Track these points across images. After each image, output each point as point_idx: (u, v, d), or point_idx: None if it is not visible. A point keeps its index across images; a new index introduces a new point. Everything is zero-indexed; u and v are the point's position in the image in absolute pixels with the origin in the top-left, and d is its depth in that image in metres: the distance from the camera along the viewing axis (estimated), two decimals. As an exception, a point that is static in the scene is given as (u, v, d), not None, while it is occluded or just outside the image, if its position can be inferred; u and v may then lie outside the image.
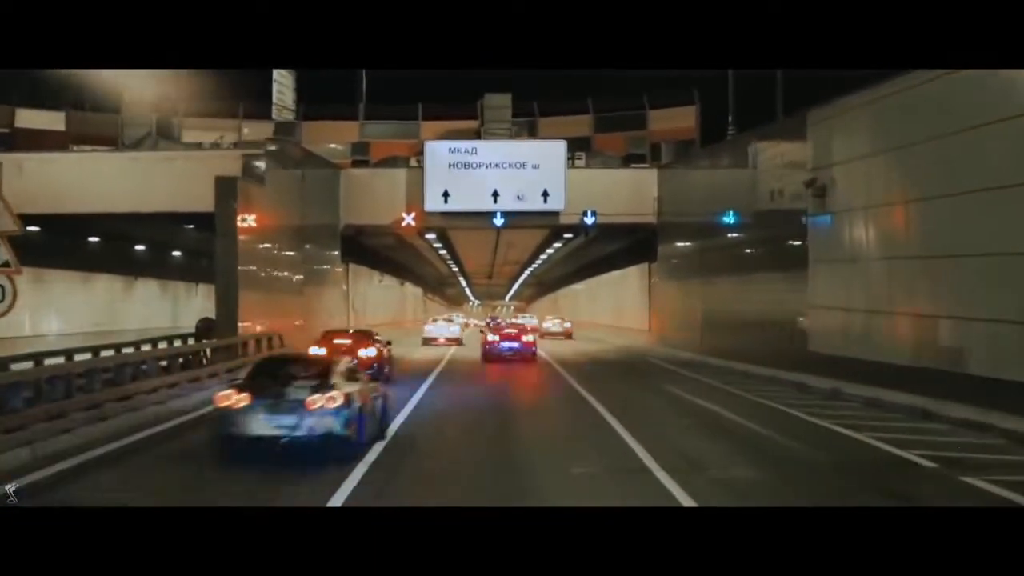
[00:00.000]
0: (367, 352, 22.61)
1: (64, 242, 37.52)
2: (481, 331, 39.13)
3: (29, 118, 41.52)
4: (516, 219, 38.26)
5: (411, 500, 10.07)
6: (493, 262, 66.32)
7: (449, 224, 40.48)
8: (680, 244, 37.56)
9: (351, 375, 13.10)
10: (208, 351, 22.27)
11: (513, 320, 55.85)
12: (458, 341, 43.71)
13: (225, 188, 25.22)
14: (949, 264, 18.24)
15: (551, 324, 56.23)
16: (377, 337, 25.10)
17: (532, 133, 43.42)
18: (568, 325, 55.31)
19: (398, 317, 63.33)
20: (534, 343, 33.93)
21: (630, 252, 45.38)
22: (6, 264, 12.61)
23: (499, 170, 37.84)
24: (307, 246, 33.65)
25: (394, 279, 64.05)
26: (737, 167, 31.06)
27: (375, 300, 54.72)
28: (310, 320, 33.81)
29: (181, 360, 20.34)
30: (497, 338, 33.24)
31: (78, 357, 18.19)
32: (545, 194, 37.60)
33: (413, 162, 40.07)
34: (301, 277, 32.71)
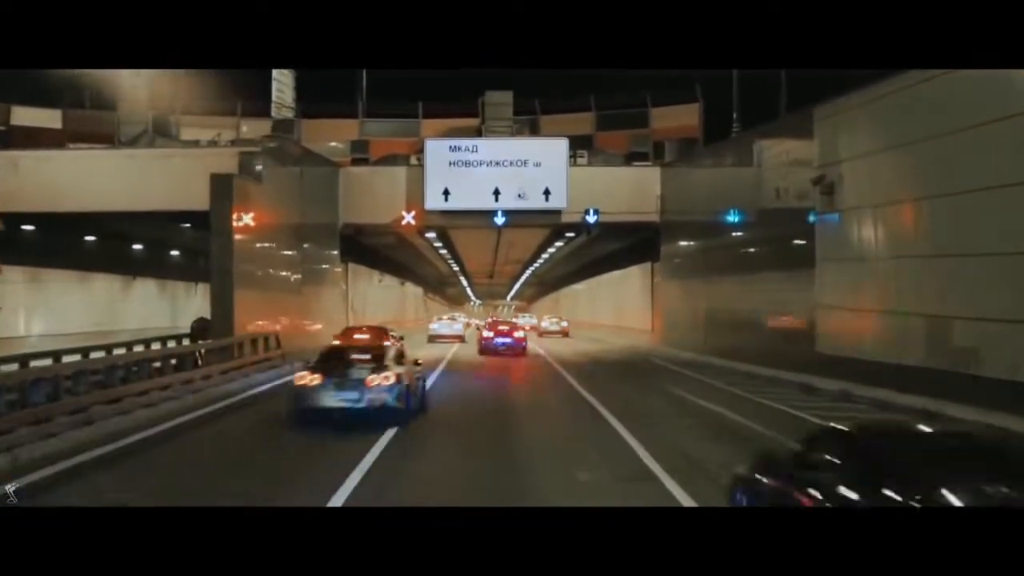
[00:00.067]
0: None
1: (61, 241, 37.22)
2: (478, 328, 40.64)
3: (25, 115, 41.11)
4: (517, 218, 37.87)
5: (431, 466, 11.37)
6: (494, 261, 65.96)
7: (450, 223, 40.07)
8: (683, 243, 37.12)
9: (399, 359, 16.51)
10: (202, 352, 21.81)
11: (512, 319, 57.26)
12: (461, 338, 44.77)
13: (221, 186, 24.78)
14: (964, 263, 17.78)
15: (548, 323, 59.05)
16: (392, 332, 27.11)
17: (534, 131, 42.94)
18: (565, 324, 57.77)
19: (398, 317, 62.93)
20: (524, 339, 37.28)
21: (632, 251, 44.98)
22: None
23: (500, 168, 37.43)
24: (305, 245, 33.23)
25: (394, 279, 63.69)
26: (741, 165, 30.61)
27: (375, 300, 54.34)
28: (309, 320, 33.42)
29: (175, 361, 19.93)
30: (492, 334, 36.55)
31: (68, 358, 17.70)
32: (547, 192, 37.20)
33: (413, 160, 39.64)
34: (299, 277, 32.29)
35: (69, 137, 38.17)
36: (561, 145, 37.92)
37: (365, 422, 14.50)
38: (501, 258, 63.06)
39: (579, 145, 40.28)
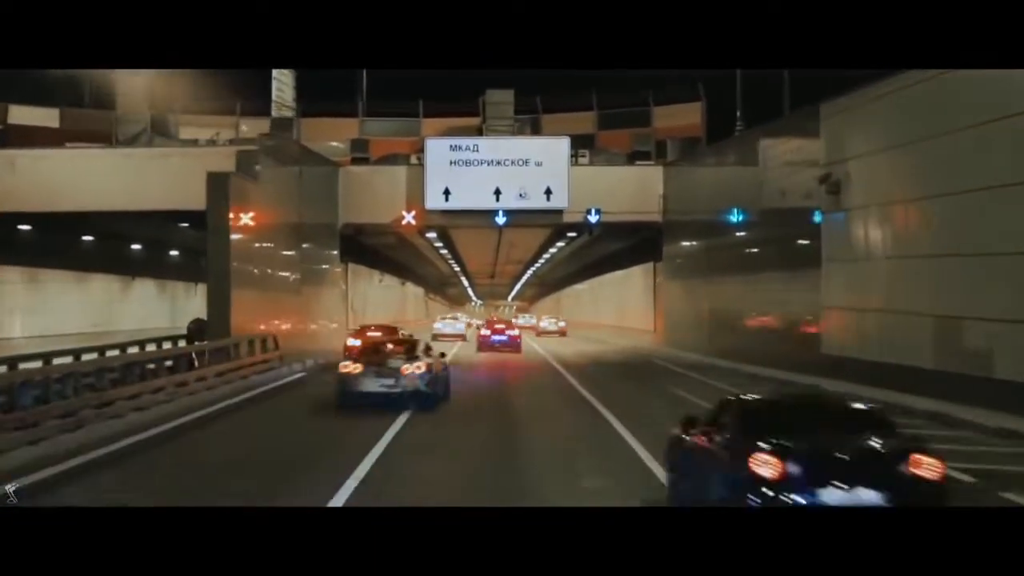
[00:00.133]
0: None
1: (58, 241, 36.91)
2: (478, 328, 43.16)
3: (23, 115, 40.73)
4: (518, 217, 37.52)
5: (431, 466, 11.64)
6: (495, 261, 65.65)
7: (450, 222, 39.72)
8: (686, 243, 36.74)
9: (427, 351, 19.02)
10: (196, 354, 21.42)
11: (513, 320, 60.58)
12: (463, 337, 45.72)
13: (217, 184, 24.39)
14: (975, 262, 17.39)
15: (547, 323, 62.00)
16: (401, 331, 30.11)
17: (535, 130, 42.54)
18: (563, 324, 60.53)
19: (399, 317, 62.53)
20: (519, 336, 40.26)
21: (634, 251, 44.62)
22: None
23: (501, 167, 37.06)
24: (304, 245, 32.86)
25: (395, 279, 63.38)
26: (745, 164, 30.23)
27: (375, 300, 54.01)
28: (308, 321, 33.07)
29: (170, 363, 19.55)
30: (489, 332, 39.72)
31: (60, 360, 17.31)
32: (548, 192, 36.83)
33: (414, 159, 39.27)
34: (298, 277, 31.93)
35: (67, 136, 37.73)
36: (563, 144, 37.55)
37: (400, 405, 17.04)
38: (502, 258, 62.74)
39: (581, 144, 39.91)
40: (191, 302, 47.05)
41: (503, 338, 38.88)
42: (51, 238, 36.14)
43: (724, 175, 32.74)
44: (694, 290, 35.30)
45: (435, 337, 43.64)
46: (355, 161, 39.66)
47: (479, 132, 40.30)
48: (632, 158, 40.16)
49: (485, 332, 39.94)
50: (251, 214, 26.00)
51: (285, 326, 28.88)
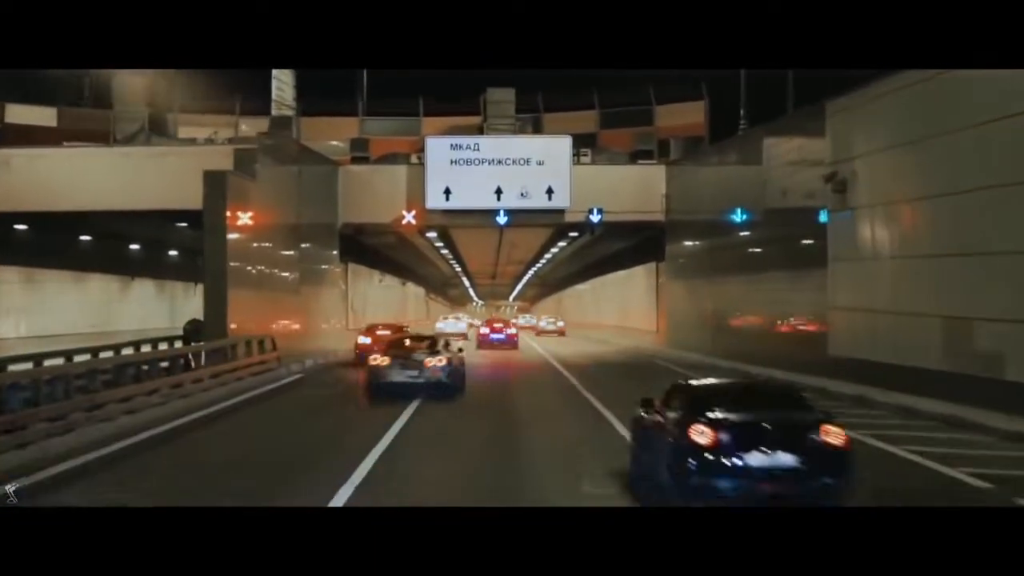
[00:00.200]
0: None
1: (56, 241, 36.62)
2: (478, 328, 45.76)
3: (20, 114, 40.43)
4: (520, 217, 37.18)
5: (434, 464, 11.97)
6: (496, 261, 65.33)
7: (451, 222, 39.37)
8: (689, 243, 36.39)
9: (447, 346, 21.49)
10: (191, 355, 21.07)
11: (514, 320, 63.31)
12: (464, 336, 46.42)
13: (214, 183, 24.02)
14: (986, 262, 17.03)
15: (545, 323, 64.83)
16: (407, 329, 32.08)
17: (536, 129, 42.18)
18: (561, 324, 63.01)
19: (399, 318, 62.09)
20: (516, 335, 43.19)
21: (637, 251, 44.28)
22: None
23: (502, 167, 36.70)
24: (303, 244, 32.52)
25: (395, 279, 63.01)
26: (749, 162, 29.87)
27: (375, 300, 53.65)
28: (307, 321, 32.73)
29: (166, 364, 19.21)
30: (488, 331, 42.50)
31: (51, 361, 16.97)
32: (550, 191, 36.49)
33: (414, 159, 38.92)
34: (297, 276, 31.59)
35: (65, 135, 37.39)
36: (564, 143, 37.21)
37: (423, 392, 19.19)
38: (503, 258, 62.40)
39: (583, 143, 39.55)
40: (190, 302, 46.69)
41: (501, 336, 41.96)
42: (48, 238, 35.86)
43: (727, 174, 32.38)
44: (697, 290, 34.95)
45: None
46: (355, 160, 39.30)
47: (480, 131, 39.94)
48: (634, 157, 39.79)
49: (484, 330, 42.76)
50: (249, 213, 25.66)
51: (283, 326, 28.54)
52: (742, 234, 30.02)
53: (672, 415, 9.76)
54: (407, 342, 21.77)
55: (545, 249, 53.84)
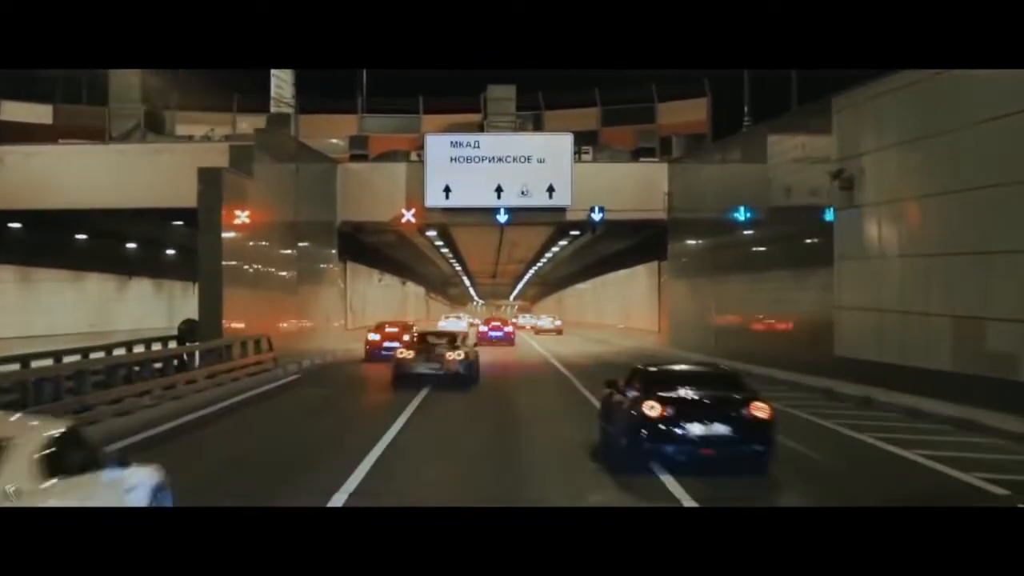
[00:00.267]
0: (408, 337, 30.12)
1: (51, 239, 36.28)
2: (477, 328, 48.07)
3: (15, 111, 39.97)
4: (520, 215, 36.82)
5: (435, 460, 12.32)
6: (496, 260, 64.95)
7: (451, 220, 38.98)
8: (692, 241, 35.99)
9: (464, 341, 24.29)
10: (186, 355, 20.67)
11: (514, 319, 67.01)
12: (464, 335, 45.46)
13: (209, 180, 23.60)
14: (998, 260, 16.61)
15: (544, 322, 66.98)
16: (413, 327, 34.54)
17: (537, 126, 41.72)
18: (559, 323, 65.11)
19: (399, 317, 61.83)
20: (513, 333, 47.18)
21: (639, 250, 43.89)
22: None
23: (503, 164, 36.32)
24: (301, 243, 32.11)
25: (395, 278, 62.61)
26: (753, 160, 29.45)
27: (375, 299, 53.26)
28: (304, 321, 32.34)
29: (159, 365, 18.83)
30: (487, 329, 45.74)
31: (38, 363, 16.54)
32: (551, 189, 36.13)
33: (414, 156, 38.51)
34: (294, 275, 31.18)
35: (60, 133, 37.04)
36: (565, 141, 36.85)
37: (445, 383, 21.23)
38: (504, 257, 62.01)
39: (584, 141, 39.15)
40: (188, 302, 46.27)
41: (499, 334, 45.26)
42: (43, 236, 35.55)
43: (731, 172, 31.97)
44: (700, 290, 34.55)
45: None
46: (354, 158, 38.88)
47: (480, 128, 39.52)
48: (636, 155, 39.39)
49: (483, 328, 46.01)
50: (245, 211, 25.28)
51: (280, 326, 28.15)
52: (746, 233, 29.62)
53: (630, 394, 11.86)
54: (429, 338, 24.22)
55: (546, 248, 53.45)
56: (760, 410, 11.27)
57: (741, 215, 29.46)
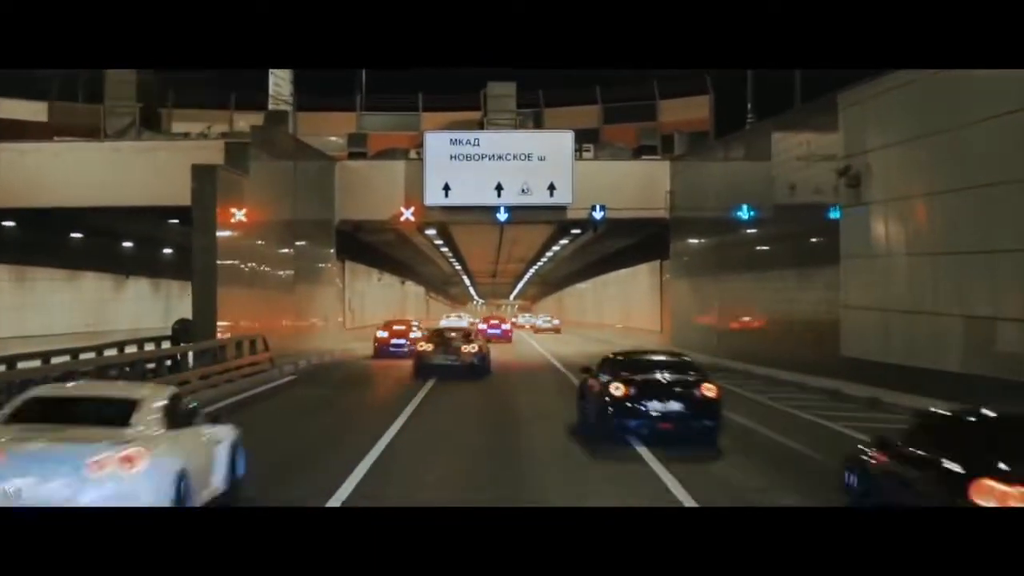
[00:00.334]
0: (415, 335, 33.24)
1: (46, 238, 35.88)
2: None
3: (10, 108, 39.54)
4: (521, 214, 36.39)
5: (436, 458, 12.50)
6: (497, 260, 64.54)
7: (450, 219, 38.57)
8: (694, 240, 35.57)
9: (477, 336, 27.33)
10: (179, 356, 20.25)
11: (514, 319, 70.82)
12: (476, 331, 48.65)
13: (203, 177, 23.17)
14: (1013, 259, 16.20)
15: (542, 321, 70.23)
16: (418, 324, 37.41)
17: (538, 124, 41.31)
18: (557, 322, 68.43)
19: (398, 317, 61.50)
20: (511, 331, 51.30)
21: (640, 249, 43.48)
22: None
23: (503, 162, 35.91)
24: (298, 242, 31.68)
25: (395, 277, 62.19)
26: (757, 157, 29.03)
27: (374, 299, 52.83)
28: (302, 320, 31.94)
29: (152, 366, 18.42)
30: (485, 326, 47.65)
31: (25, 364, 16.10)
32: (551, 187, 35.71)
33: (413, 154, 38.07)
34: (291, 274, 30.75)
35: (56, 130, 36.65)
36: (566, 138, 36.41)
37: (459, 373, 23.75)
38: (504, 256, 61.60)
39: (585, 138, 38.73)
40: (186, 301, 45.76)
41: (497, 331, 47.41)
42: (38, 235, 35.15)
43: (734, 170, 31.54)
44: (703, 289, 34.14)
45: None
46: (353, 156, 38.44)
47: (480, 126, 39.07)
48: (638, 153, 38.93)
49: (482, 326, 47.05)
50: (240, 209, 24.86)
51: (277, 326, 27.72)
52: (749, 231, 29.20)
53: (602, 378, 13.78)
54: (446, 333, 26.56)
55: (546, 247, 53.06)
56: (709, 390, 13.26)
57: (744, 213, 29.05)
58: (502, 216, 35.67)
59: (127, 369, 16.76)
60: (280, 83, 45.62)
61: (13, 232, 34.30)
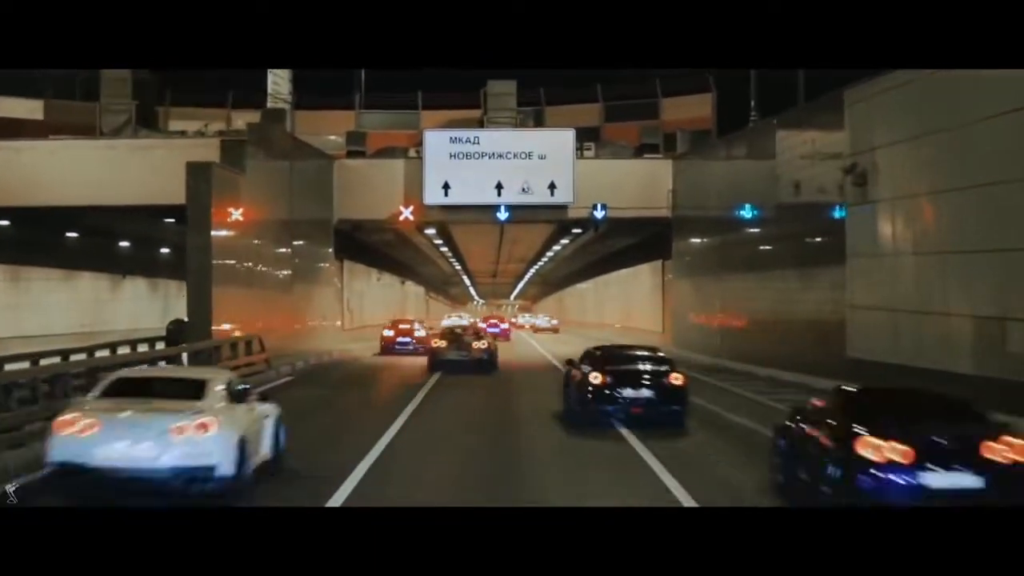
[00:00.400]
0: (420, 333, 36.26)
1: (41, 237, 35.55)
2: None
3: (6, 106, 39.21)
4: (521, 213, 36.03)
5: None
6: (497, 259, 64.17)
7: (450, 218, 38.20)
8: (697, 240, 35.20)
9: (486, 334, 29.95)
10: (171, 357, 19.85)
11: (514, 318, 74.15)
12: (484, 329, 50.25)
13: (198, 175, 22.78)
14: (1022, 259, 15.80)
15: (541, 321, 73.09)
16: (422, 323, 40.11)
17: (538, 122, 40.95)
18: (555, 322, 70.96)
19: (399, 318, 61.09)
20: (509, 330, 55.39)
21: (642, 248, 43.12)
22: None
23: (503, 161, 35.55)
24: (296, 241, 31.30)
25: (394, 277, 61.83)
26: (760, 156, 28.65)
27: (373, 299, 52.44)
28: (299, 321, 31.58)
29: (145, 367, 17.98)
30: (485, 325, 48.19)
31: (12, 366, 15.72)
32: (552, 186, 35.35)
33: (412, 153, 37.69)
34: (289, 274, 30.38)
35: (52, 129, 36.31)
36: (567, 137, 36.04)
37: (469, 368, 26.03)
38: (504, 256, 61.22)
39: (586, 137, 38.36)
40: (184, 301, 45.49)
41: (496, 331, 47.96)
42: (33, 234, 34.80)
43: (737, 168, 31.17)
44: (705, 289, 33.77)
45: None
46: (351, 154, 38.06)
47: (480, 124, 38.71)
48: (640, 151, 38.54)
49: (482, 325, 47.52)
50: (237, 207, 24.48)
51: (274, 326, 27.34)
52: (753, 230, 28.84)
53: (583, 368, 15.80)
54: (457, 331, 29.47)
55: (547, 247, 52.69)
56: (676, 379, 15.28)
57: (748, 212, 28.70)
58: (502, 215, 35.30)
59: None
60: (279, 81, 45.25)
61: (8, 231, 33.94)
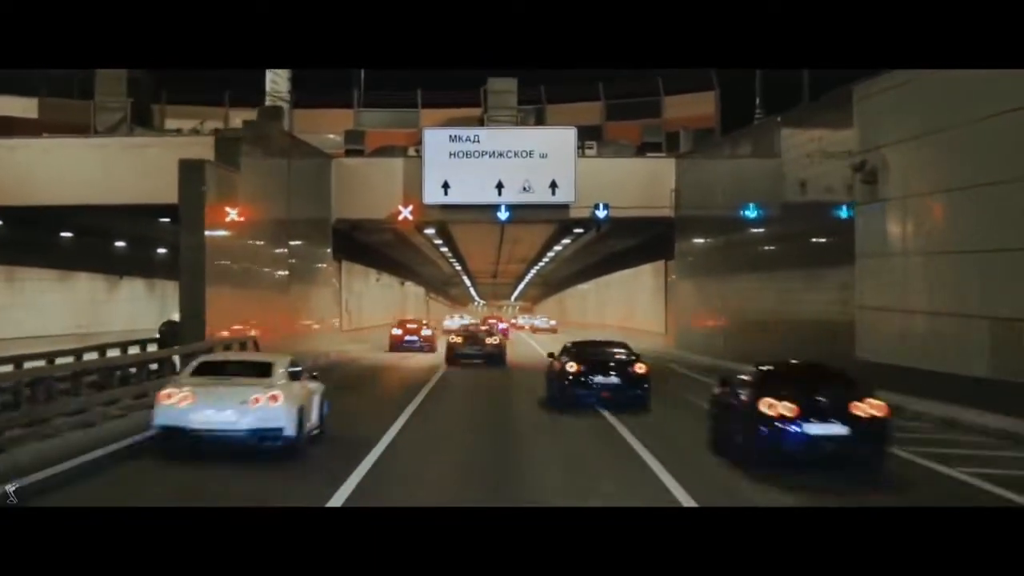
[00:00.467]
0: (426, 332, 39.54)
1: (36, 237, 35.03)
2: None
3: (0, 105, 38.78)
4: (522, 212, 35.52)
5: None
6: (497, 260, 63.72)
7: (449, 218, 37.71)
8: (700, 239, 34.70)
9: (498, 332, 36.73)
10: (162, 359, 19.30)
11: (513, 320, 76.59)
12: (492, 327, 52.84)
13: (191, 173, 22.25)
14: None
15: (540, 322, 76.07)
16: (426, 323, 42.44)
17: (539, 120, 40.48)
18: (553, 323, 73.63)
19: (398, 318, 60.63)
20: (507, 330, 56.94)
21: (644, 248, 42.66)
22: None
23: (504, 160, 35.06)
24: (293, 241, 30.79)
25: (394, 278, 61.36)
26: (765, 154, 28.16)
27: (372, 299, 51.98)
28: (297, 321, 31.08)
29: (134, 370, 17.49)
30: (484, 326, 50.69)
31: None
32: (553, 185, 34.85)
33: (411, 151, 37.19)
34: (286, 274, 29.86)
35: (46, 127, 35.84)
36: (569, 135, 35.56)
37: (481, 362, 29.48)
38: (504, 256, 60.76)
39: (588, 135, 37.92)
40: (181, 302, 45.05)
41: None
42: (28, 234, 34.28)
43: (741, 167, 30.67)
44: (709, 289, 33.27)
45: (445, 332, 48.70)
46: (350, 153, 37.57)
47: (480, 123, 38.22)
48: (642, 150, 38.11)
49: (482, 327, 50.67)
50: (232, 206, 23.95)
51: (270, 327, 26.81)
52: (757, 230, 28.35)
53: (562, 359, 18.43)
54: (471, 329, 33.79)
55: (548, 247, 52.21)
56: (640, 368, 18.13)
57: (752, 212, 28.21)
58: (503, 215, 34.81)
59: (117, 373, 15.89)
60: (277, 79, 44.81)
61: (1, 231, 33.43)
